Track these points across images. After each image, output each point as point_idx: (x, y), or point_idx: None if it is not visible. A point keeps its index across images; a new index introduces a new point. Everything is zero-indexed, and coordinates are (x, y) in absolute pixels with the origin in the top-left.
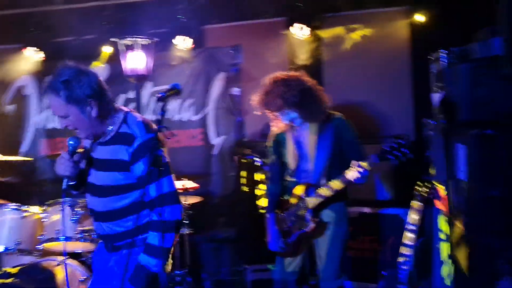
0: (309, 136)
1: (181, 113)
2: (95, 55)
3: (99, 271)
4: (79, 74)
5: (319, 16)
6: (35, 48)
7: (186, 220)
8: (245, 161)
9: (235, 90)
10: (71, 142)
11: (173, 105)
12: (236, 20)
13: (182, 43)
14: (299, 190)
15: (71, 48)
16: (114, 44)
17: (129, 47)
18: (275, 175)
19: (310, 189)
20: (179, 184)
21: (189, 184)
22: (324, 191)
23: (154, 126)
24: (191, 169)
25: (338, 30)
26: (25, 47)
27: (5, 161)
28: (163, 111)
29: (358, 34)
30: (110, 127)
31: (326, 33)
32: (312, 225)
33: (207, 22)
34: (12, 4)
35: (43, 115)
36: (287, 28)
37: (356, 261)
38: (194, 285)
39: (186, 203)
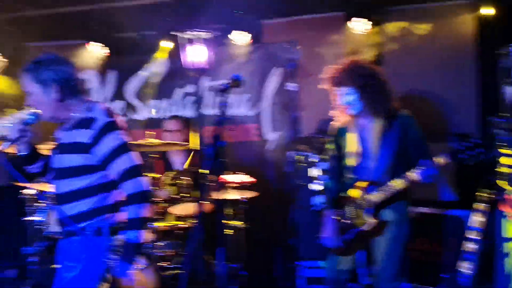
0: (373, 132)
1: (238, 108)
2: (156, 50)
3: (61, 259)
4: (52, 61)
5: (381, 9)
6: (98, 43)
7: (241, 214)
8: (300, 157)
9: (292, 86)
10: (30, 116)
11: (230, 100)
12: (294, 15)
13: (239, 38)
14: (359, 187)
15: (132, 43)
16: (174, 39)
17: (190, 41)
18: (335, 171)
19: (371, 187)
20: (236, 178)
21: (245, 178)
22: (385, 190)
23: (116, 115)
24: (246, 164)
25: (401, 24)
26: (89, 42)
27: None
28: (224, 103)
29: (422, 28)
30: (74, 114)
31: (388, 27)
32: (371, 223)
33: (264, 17)
34: (77, 1)
35: None
36: (346, 22)
37: (415, 263)
38: (249, 279)
39: (243, 197)
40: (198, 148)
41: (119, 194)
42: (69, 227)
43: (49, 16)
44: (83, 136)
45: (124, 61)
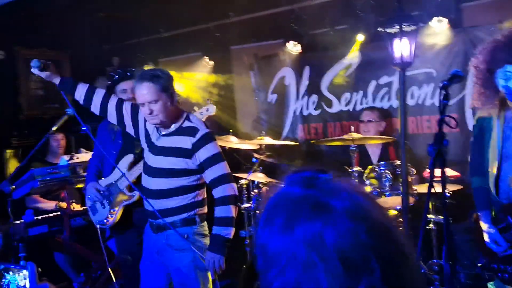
0: None
1: (434, 98)
2: (347, 45)
3: (148, 251)
4: (165, 74)
5: None
6: (294, 41)
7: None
8: None
9: None
10: (32, 64)
11: (425, 89)
12: None
13: (438, 25)
14: None
15: (324, 39)
16: (367, 32)
17: (393, 35)
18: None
19: None
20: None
21: (449, 171)
22: None
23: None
24: (448, 156)
25: None
26: (287, 41)
27: (272, 144)
28: (446, 100)
29: None
30: (175, 123)
31: None
32: None
33: (464, 0)
34: (275, 3)
35: (299, 102)
36: None
37: None
38: (450, 276)
39: (447, 191)
40: (396, 141)
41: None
42: (158, 221)
43: (248, 20)
44: (186, 142)
45: (318, 56)
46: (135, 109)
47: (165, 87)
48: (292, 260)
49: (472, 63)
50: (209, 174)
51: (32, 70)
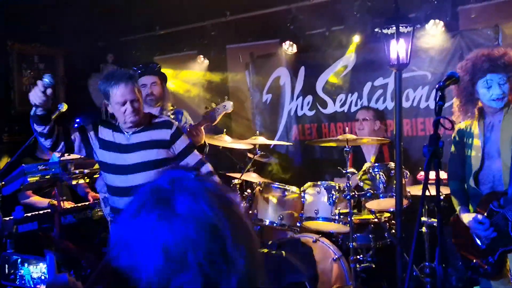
0: (504, 132)
1: (429, 101)
2: (342, 45)
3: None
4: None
5: None
6: (290, 41)
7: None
8: None
9: None
10: (46, 80)
11: (420, 92)
12: None
13: (434, 28)
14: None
15: (320, 39)
16: (363, 34)
17: (389, 36)
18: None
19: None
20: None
21: (442, 174)
22: None
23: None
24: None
25: None
26: (283, 41)
27: (266, 144)
28: (441, 101)
29: None
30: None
31: None
32: None
33: (460, 3)
34: (272, 3)
35: (294, 103)
36: None
37: None
38: (443, 279)
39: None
40: (390, 142)
41: None
42: None
43: (244, 19)
44: (163, 134)
45: (313, 57)
46: (82, 130)
47: (138, 87)
48: (124, 247)
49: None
50: (190, 160)
51: (43, 83)
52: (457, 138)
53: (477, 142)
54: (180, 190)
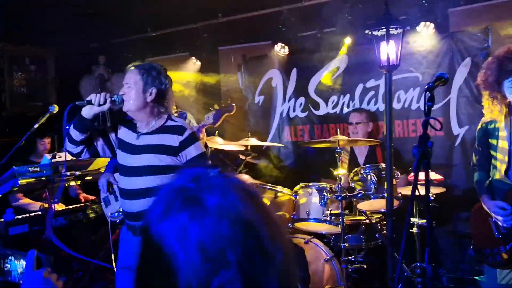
0: None
1: (420, 102)
2: (334, 47)
3: (127, 257)
4: (160, 71)
5: None
6: (282, 43)
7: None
8: None
9: None
10: (116, 97)
11: (411, 93)
12: (484, 1)
13: (425, 29)
14: None
15: (312, 41)
16: (354, 36)
17: (380, 38)
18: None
19: None
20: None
21: (433, 175)
22: None
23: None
24: (432, 160)
25: None
26: (275, 42)
27: (258, 146)
28: (430, 102)
29: None
30: (154, 120)
31: None
32: None
33: (451, 5)
34: (264, 5)
35: (286, 105)
36: None
37: None
38: (432, 277)
39: (430, 194)
40: (382, 143)
41: None
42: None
43: (236, 21)
44: (172, 140)
45: (305, 58)
46: (103, 133)
47: (146, 80)
48: (158, 250)
49: (479, 77)
50: None
51: (116, 96)
52: (481, 132)
53: (503, 139)
54: (207, 187)
